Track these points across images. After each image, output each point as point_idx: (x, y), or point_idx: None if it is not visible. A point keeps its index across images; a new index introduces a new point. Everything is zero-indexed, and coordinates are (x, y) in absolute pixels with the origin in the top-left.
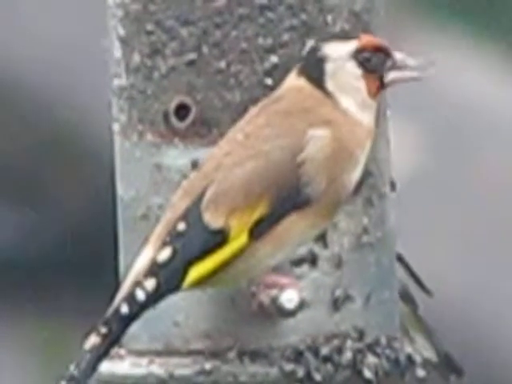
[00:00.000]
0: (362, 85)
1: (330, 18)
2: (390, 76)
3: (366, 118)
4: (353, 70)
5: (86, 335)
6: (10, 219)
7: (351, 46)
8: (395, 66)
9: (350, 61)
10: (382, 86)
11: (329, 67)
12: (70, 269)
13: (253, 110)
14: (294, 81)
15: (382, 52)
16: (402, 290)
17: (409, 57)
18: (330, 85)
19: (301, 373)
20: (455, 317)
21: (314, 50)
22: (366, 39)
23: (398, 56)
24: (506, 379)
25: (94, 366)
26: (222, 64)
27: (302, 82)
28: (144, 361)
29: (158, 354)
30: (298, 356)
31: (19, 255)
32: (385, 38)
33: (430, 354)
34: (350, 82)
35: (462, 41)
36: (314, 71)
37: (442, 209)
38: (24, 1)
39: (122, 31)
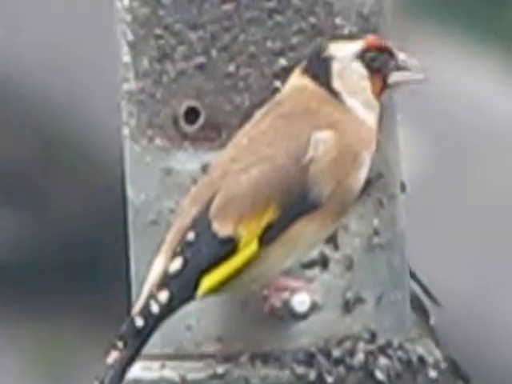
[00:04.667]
0: (367, 85)
1: (338, 20)
2: (393, 77)
3: (370, 118)
4: (359, 69)
5: (106, 351)
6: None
7: (357, 45)
8: (398, 67)
9: (355, 61)
10: (385, 86)
11: (335, 67)
12: (70, 273)
13: (258, 114)
14: (297, 80)
15: (387, 52)
16: (415, 301)
17: (411, 57)
18: (336, 84)
19: (313, 375)
20: (455, 320)
21: (319, 49)
22: (371, 39)
23: (401, 56)
24: (506, 381)
25: (117, 382)
26: (231, 68)
27: (306, 81)
28: (156, 365)
29: (170, 357)
30: (309, 359)
31: (19, 259)
32: (392, 41)
33: (439, 358)
34: (356, 82)
35: (464, 43)
36: (320, 70)
37: (443, 212)
38: (24, 2)
39: (130, 36)
